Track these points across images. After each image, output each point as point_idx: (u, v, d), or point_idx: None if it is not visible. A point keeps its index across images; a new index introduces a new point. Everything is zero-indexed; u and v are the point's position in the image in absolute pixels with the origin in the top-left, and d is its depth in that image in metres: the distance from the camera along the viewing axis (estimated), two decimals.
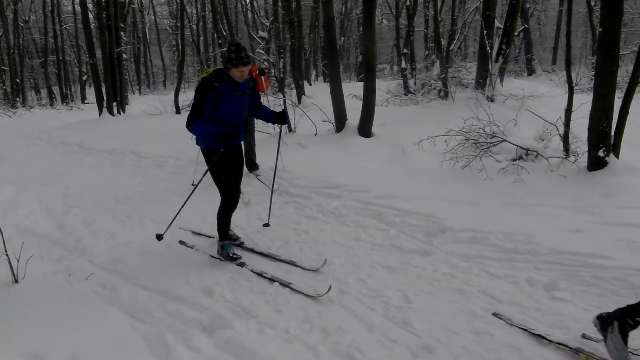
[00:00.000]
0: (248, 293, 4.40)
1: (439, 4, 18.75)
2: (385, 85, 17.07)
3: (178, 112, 18.71)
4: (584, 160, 7.18)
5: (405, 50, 19.11)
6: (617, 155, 7.06)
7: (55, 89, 35.67)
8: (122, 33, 20.21)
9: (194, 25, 36.87)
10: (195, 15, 36.64)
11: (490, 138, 8.02)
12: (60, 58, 34.98)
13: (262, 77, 7.49)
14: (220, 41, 23.22)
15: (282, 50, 17.51)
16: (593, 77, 7.92)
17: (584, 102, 7.51)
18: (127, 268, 4.94)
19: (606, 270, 4.49)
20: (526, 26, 27.74)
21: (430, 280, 4.57)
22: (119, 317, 3.95)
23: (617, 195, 6.23)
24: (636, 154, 7.37)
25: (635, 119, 7.56)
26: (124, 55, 21.12)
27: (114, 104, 18.28)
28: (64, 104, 31.10)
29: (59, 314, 3.93)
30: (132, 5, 31.85)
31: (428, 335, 3.69)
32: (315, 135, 10.36)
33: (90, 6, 22.27)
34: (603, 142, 6.92)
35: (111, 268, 4.96)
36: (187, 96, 21.13)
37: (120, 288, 4.48)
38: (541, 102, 11.16)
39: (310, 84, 23.84)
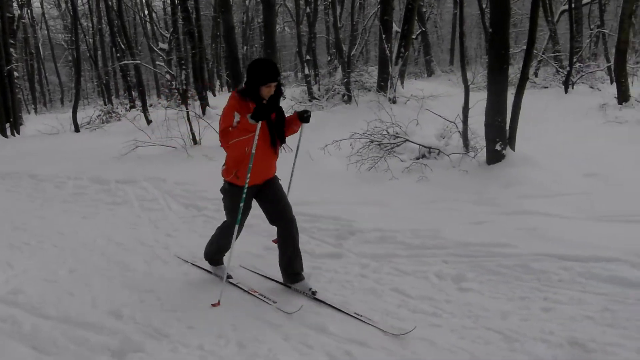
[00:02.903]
0: (159, 312, 4.25)
1: (338, 10, 19.07)
2: (289, 92, 17.12)
3: (77, 130, 17.99)
4: (483, 154, 7.50)
5: (307, 57, 19.28)
6: (513, 148, 7.41)
7: None
8: (12, 49, 19.19)
9: (90, 39, 35.59)
10: (91, 29, 35.38)
11: (394, 139, 8.22)
12: None
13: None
14: (118, 55, 22.53)
15: (183, 62, 17.21)
16: None
17: (479, 100, 7.84)
18: (28, 298, 4.64)
19: (509, 258, 4.69)
20: (423, 29, 28.73)
21: (342, 283, 4.59)
22: (22, 351, 3.71)
23: (515, 186, 6.54)
24: (530, 145, 7.79)
25: (527, 113, 7.97)
26: (16, 73, 20.05)
27: (7, 125, 17.32)
28: None
29: None
30: (23, 20, 30.29)
31: (345, 338, 3.70)
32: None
33: None
34: (499, 136, 7.25)
35: (10, 300, 4.65)
36: (87, 113, 20.39)
37: (21, 320, 4.19)
38: (441, 101, 11.59)
39: (215, 95, 23.57)
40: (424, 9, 28.58)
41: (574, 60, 16.88)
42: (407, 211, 6.05)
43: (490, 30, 7.43)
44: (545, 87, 18.14)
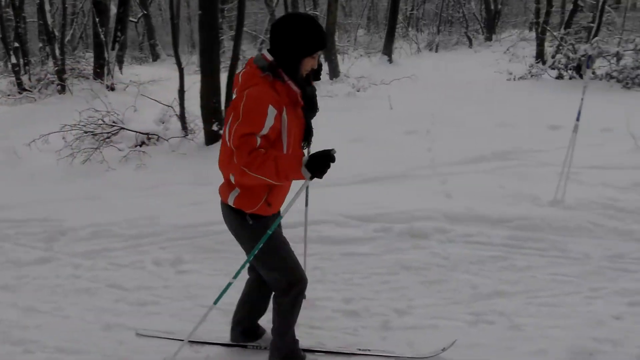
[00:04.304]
0: None
1: None
2: None
3: None
4: (201, 136, 7.57)
5: (16, 44, 17.40)
6: None
7: None
8: None
9: None
10: None
11: (110, 128, 7.86)
12: None
13: None
14: None
15: None
16: None
17: (195, 82, 7.87)
18: None
19: (224, 234, 4.76)
20: (146, 12, 27.90)
21: (53, 289, 4.27)
22: None
23: None
24: None
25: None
26: None
27: None
28: None
29: None
30: None
31: (64, 340, 3.51)
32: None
33: None
34: (215, 117, 7.39)
35: None
36: None
37: None
38: (162, 85, 11.44)
39: None
40: None
41: None
42: (123, 201, 5.86)
43: (200, 12, 7.46)
44: None
